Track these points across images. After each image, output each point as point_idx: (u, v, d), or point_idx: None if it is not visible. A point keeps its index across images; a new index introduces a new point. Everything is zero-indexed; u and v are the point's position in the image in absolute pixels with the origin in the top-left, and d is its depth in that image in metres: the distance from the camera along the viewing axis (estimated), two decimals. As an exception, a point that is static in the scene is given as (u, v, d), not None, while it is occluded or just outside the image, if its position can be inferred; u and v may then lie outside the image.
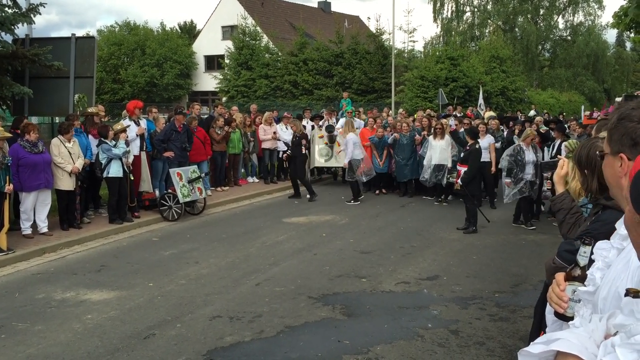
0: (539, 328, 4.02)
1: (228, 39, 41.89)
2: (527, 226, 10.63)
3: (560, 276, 1.91)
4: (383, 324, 6.01)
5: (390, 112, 21.10)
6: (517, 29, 46.07)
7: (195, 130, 12.73)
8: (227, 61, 40.07)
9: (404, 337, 5.68)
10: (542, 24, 46.95)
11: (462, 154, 11.00)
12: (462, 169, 10.38)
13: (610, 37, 53.77)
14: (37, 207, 9.46)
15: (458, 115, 18.93)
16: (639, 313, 1.39)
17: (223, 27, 44.84)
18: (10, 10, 11.12)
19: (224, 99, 37.85)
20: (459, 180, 10.30)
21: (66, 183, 9.75)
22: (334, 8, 52.96)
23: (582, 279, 1.84)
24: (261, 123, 15.24)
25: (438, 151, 12.55)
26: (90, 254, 9.01)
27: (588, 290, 1.75)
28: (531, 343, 1.53)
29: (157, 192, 11.70)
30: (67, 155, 9.75)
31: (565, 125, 14.74)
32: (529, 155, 10.51)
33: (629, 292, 1.43)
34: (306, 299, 6.77)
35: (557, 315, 1.92)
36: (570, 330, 1.61)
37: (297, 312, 6.37)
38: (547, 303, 1.98)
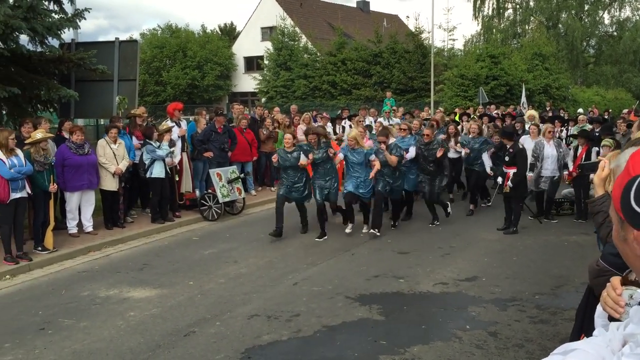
0: (579, 331, 3.93)
1: (267, 40, 42.18)
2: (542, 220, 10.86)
3: (616, 280, 1.84)
4: (420, 325, 5.99)
5: (430, 111, 20.91)
6: (560, 25, 44.88)
7: (245, 130, 13.00)
8: (266, 62, 40.38)
9: (441, 338, 5.65)
10: (586, 20, 45.64)
11: (506, 157, 10.55)
12: (511, 171, 10.12)
13: (658, 32, 51.96)
14: (81, 207, 9.75)
15: (500, 114, 18.59)
16: None
17: (262, 28, 45.12)
18: (56, 16, 11.47)
19: (263, 99, 38.16)
20: (508, 183, 10.09)
21: (109, 183, 10.01)
22: (372, 7, 52.68)
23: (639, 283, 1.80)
24: (299, 123, 15.31)
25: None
26: (133, 253, 9.24)
27: None
28: (550, 354, 1.51)
29: (197, 192, 11.90)
30: (112, 156, 10.01)
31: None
32: (548, 150, 10.71)
33: None
34: (343, 299, 6.80)
35: (612, 320, 1.88)
36: (588, 340, 1.58)
37: (334, 311, 6.39)
38: (598, 306, 1.92)
